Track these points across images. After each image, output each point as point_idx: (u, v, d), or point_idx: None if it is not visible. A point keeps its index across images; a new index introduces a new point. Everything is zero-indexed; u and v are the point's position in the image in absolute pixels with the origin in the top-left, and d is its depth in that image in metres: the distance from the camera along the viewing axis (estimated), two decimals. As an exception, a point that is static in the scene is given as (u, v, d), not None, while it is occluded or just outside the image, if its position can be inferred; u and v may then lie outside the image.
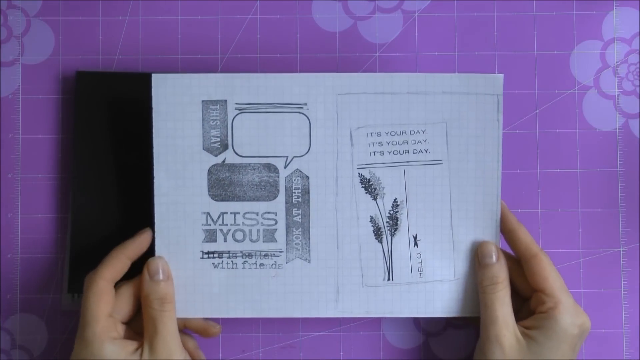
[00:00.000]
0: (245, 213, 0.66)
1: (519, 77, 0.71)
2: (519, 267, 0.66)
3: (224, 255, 0.66)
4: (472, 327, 0.71)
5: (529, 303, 0.65)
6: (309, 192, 0.66)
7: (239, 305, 0.66)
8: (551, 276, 0.63)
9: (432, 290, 0.66)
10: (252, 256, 0.66)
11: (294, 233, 0.66)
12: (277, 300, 0.66)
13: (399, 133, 0.66)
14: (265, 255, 0.66)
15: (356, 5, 0.72)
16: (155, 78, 0.65)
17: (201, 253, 0.66)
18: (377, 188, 0.66)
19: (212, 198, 0.66)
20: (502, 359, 0.62)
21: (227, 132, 0.65)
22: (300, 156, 0.66)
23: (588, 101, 0.72)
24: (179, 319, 0.65)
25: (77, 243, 0.69)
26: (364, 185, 0.66)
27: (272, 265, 0.66)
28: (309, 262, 0.66)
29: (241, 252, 0.66)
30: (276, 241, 0.66)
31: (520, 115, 0.72)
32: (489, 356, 0.63)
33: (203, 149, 0.66)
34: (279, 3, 0.72)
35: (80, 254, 0.69)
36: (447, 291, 0.66)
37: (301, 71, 0.72)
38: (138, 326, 0.65)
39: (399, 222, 0.66)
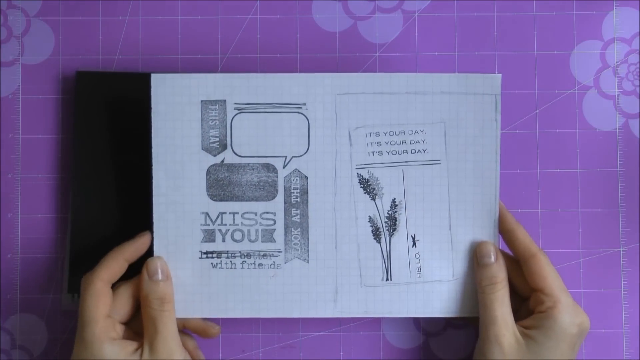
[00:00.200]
0: (244, 213, 0.66)
1: (519, 77, 0.71)
2: (518, 267, 0.65)
3: (223, 255, 0.66)
4: (471, 327, 0.71)
5: (527, 303, 0.65)
6: (307, 192, 0.66)
7: (238, 305, 0.66)
8: (550, 276, 0.63)
9: (430, 290, 0.66)
10: (250, 256, 0.66)
11: (292, 233, 0.66)
12: (275, 301, 0.66)
13: (397, 133, 0.66)
14: (264, 255, 0.66)
15: (356, 5, 0.72)
16: (155, 78, 0.65)
17: (200, 253, 0.66)
18: (376, 188, 0.66)
19: (210, 198, 0.66)
20: (501, 359, 0.62)
21: (226, 132, 0.65)
22: (299, 156, 0.66)
23: (588, 101, 0.72)
24: (178, 319, 0.65)
25: (77, 243, 0.69)
26: (362, 186, 0.66)
27: (270, 265, 0.66)
28: (308, 262, 0.66)
29: (240, 252, 0.66)
30: (275, 241, 0.66)
31: (520, 115, 0.71)
32: (489, 356, 0.63)
33: (202, 149, 0.66)
34: (279, 3, 0.72)
35: (80, 254, 0.69)
36: (445, 291, 0.66)
37: (301, 71, 0.72)
38: (137, 326, 0.65)
39: (397, 222, 0.66)
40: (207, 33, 0.72)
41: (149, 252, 0.66)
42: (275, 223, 0.66)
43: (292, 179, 0.66)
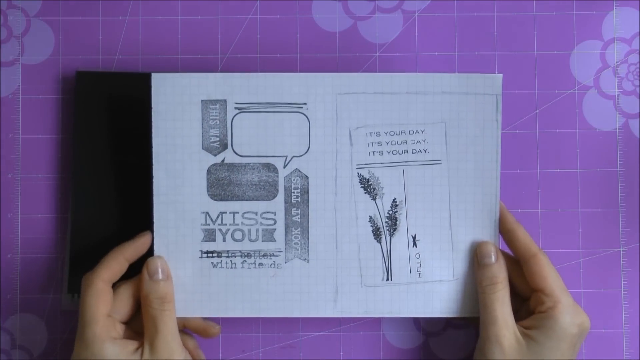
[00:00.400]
0: (245, 213, 0.66)
1: (519, 77, 0.71)
2: (518, 267, 0.65)
3: (223, 254, 0.66)
4: (471, 327, 0.71)
5: (528, 303, 0.65)
6: (308, 192, 0.66)
7: (238, 305, 0.66)
8: (550, 276, 0.63)
9: (431, 290, 0.66)
10: (251, 256, 0.66)
11: (293, 233, 0.66)
12: (275, 300, 0.66)
13: (398, 133, 0.66)
14: (264, 255, 0.66)
15: (356, 5, 0.72)
16: (155, 77, 0.65)
17: (200, 252, 0.66)
18: (376, 188, 0.66)
19: (211, 197, 0.66)
20: (502, 359, 0.62)
21: (226, 132, 0.65)
22: (299, 156, 0.66)
23: (588, 101, 0.72)
24: (178, 319, 0.65)
25: (77, 243, 0.69)
26: (363, 185, 0.66)
27: (271, 265, 0.66)
28: (308, 262, 0.66)
29: (240, 251, 0.66)
30: (275, 241, 0.66)
31: (520, 115, 0.71)
32: (489, 356, 0.63)
33: (202, 148, 0.66)
34: (279, 3, 0.72)
35: (80, 254, 0.69)
36: (446, 291, 0.66)
37: (301, 71, 0.72)
38: (137, 326, 0.65)
39: (397, 222, 0.66)
40: (207, 33, 0.72)
41: (150, 252, 0.66)
42: (275, 223, 0.66)
43: (292, 178, 0.66)
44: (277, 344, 0.71)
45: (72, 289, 0.70)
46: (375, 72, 0.71)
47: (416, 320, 0.71)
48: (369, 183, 0.66)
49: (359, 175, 0.66)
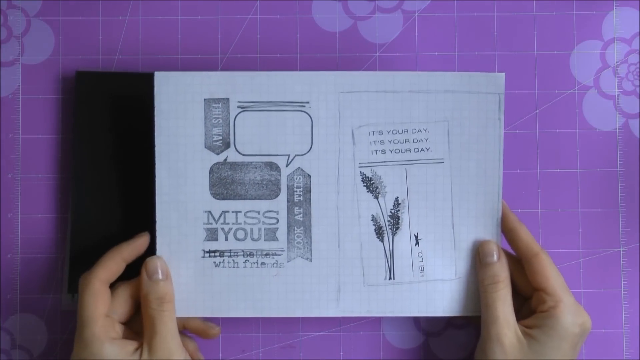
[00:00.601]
0: (247, 212, 0.66)
1: (519, 77, 0.71)
2: (520, 266, 0.66)
3: (225, 254, 0.66)
4: (472, 327, 0.71)
5: (529, 302, 0.65)
6: (310, 191, 0.66)
7: (240, 304, 0.66)
8: (552, 275, 0.64)
9: (433, 289, 0.66)
10: (253, 255, 0.66)
11: (295, 232, 0.66)
12: (278, 300, 0.66)
13: (400, 132, 0.66)
14: (267, 254, 0.66)
15: (356, 5, 0.72)
16: (158, 76, 0.65)
17: (202, 252, 0.66)
18: (379, 187, 0.66)
19: (213, 196, 0.66)
20: (503, 359, 0.62)
21: (229, 131, 0.65)
22: (302, 155, 0.66)
23: (588, 101, 0.72)
24: (178, 320, 0.65)
25: (77, 243, 0.69)
26: (365, 184, 0.66)
27: (273, 264, 0.66)
28: (310, 261, 0.66)
29: (242, 251, 0.66)
30: (277, 240, 0.66)
31: (520, 115, 0.72)
32: (490, 355, 0.63)
33: (205, 147, 0.66)
34: (279, 3, 0.72)
35: (80, 254, 0.69)
36: (448, 290, 0.66)
37: (301, 71, 0.71)
38: (138, 326, 0.65)
39: (400, 221, 0.66)
40: (207, 33, 0.72)
41: (150, 252, 0.66)
42: (278, 222, 0.66)
43: (295, 177, 0.66)
44: (277, 344, 0.71)
45: (72, 289, 0.69)
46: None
47: (416, 320, 0.71)
48: (372, 182, 0.66)
49: (362, 174, 0.66)
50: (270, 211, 0.66)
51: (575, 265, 0.71)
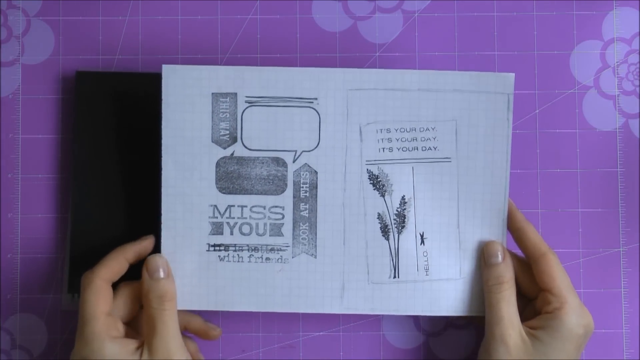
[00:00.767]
0: (253, 206, 0.66)
1: (519, 77, 0.71)
2: (524, 267, 0.66)
3: (230, 248, 0.66)
4: (472, 327, 0.71)
5: (533, 303, 0.66)
6: (317, 187, 0.66)
7: (244, 299, 0.66)
8: (559, 276, 0.64)
9: (437, 288, 0.66)
10: (258, 250, 0.66)
11: (300, 228, 0.66)
12: (282, 295, 0.66)
13: (408, 130, 0.66)
14: (272, 250, 0.66)
15: (356, 5, 0.72)
16: (166, 69, 0.65)
17: (207, 246, 0.66)
18: (385, 185, 0.66)
19: (219, 191, 0.66)
20: (507, 359, 0.62)
21: (236, 125, 0.65)
22: (309, 151, 0.66)
23: (588, 101, 0.72)
24: (179, 321, 0.65)
25: (77, 243, 0.69)
26: (372, 182, 0.66)
27: (278, 259, 0.66)
28: (315, 257, 0.66)
29: (247, 245, 0.66)
30: (283, 235, 0.66)
31: (520, 115, 0.72)
32: (494, 355, 0.63)
33: (212, 141, 0.66)
34: (279, 3, 0.72)
35: (80, 254, 0.69)
36: (452, 290, 0.67)
37: (302, 71, 0.72)
38: (141, 326, 0.65)
39: (406, 220, 0.66)
40: (207, 33, 0.72)
41: (156, 246, 0.66)
42: (283, 217, 0.66)
43: (301, 173, 0.66)
44: (277, 344, 0.71)
45: (72, 289, 0.69)
46: (377, 71, 0.71)
47: (416, 320, 0.71)
48: (378, 179, 0.66)
49: (369, 171, 0.66)
50: (276, 206, 0.66)
51: (575, 265, 0.71)
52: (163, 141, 0.65)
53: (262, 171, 0.66)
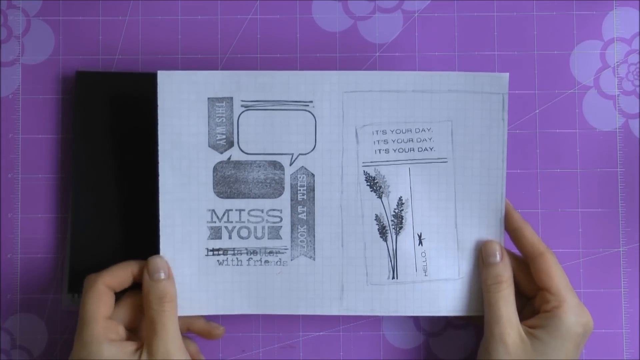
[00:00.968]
0: (251, 210, 0.66)
1: (519, 77, 0.71)
2: (522, 266, 0.66)
3: (229, 252, 0.66)
4: (472, 327, 0.71)
5: (532, 302, 0.66)
6: (314, 190, 0.66)
7: (244, 302, 0.66)
8: (557, 275, 0.64)
9: (436, 289, 0.66)
10: (257, 253, 0.66)
11: (299, 230, 0.66)
12: (281, 298, 0.66)
13: (404, 131, 0.66)
14: (270, 253, 0.66)
15: (356, 5, 0.72)
16: (161, 75, 0.65)
17: (206, 250, 0.66)
18: (382, 186, 0.66)
19: (217, 195, 0.66)
20: (506, 358, 0.62)
21: (232, 129, 0.66)
22: (305, 154, 0.66)
23: (588, 101, 0.72)
24: (181, 322, 0.65)
25: (77, 243, 0.69)
26: (369, 183, 0.66)
27: (276, 262, 0.66)
28: (314, 259, 0.66)
29: (246, 249, 0.66)
30: (281, 238, 0.66)
31: (520, 115, 0.72)
32: (493, 355, 0.63)
33: (208, 146, 0.66)
34: (279, 3, 0.72)
35: (80, 254, 0.69)
36: (451, 290, 0.67)
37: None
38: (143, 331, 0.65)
39: (403, 221, 0.66)
40: (207, 33, 0.72)
41: (154, 251, 0.66)
42: (281, 220, 0.66)
43: (298, 176, 0.66)
44: (277, 344, 0.71)
45: (72, 289, 0.69)
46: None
47: (416, 320, 0.71)
48: (375, 181, 0.66)
49: (365, 173, 0.66)
50: (273, 210, 0.66)
51: (575, 265, 0.71)
52: (160, 147, 0.65)
53: (259, 175, 0.66)
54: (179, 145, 0.65)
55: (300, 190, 0.66)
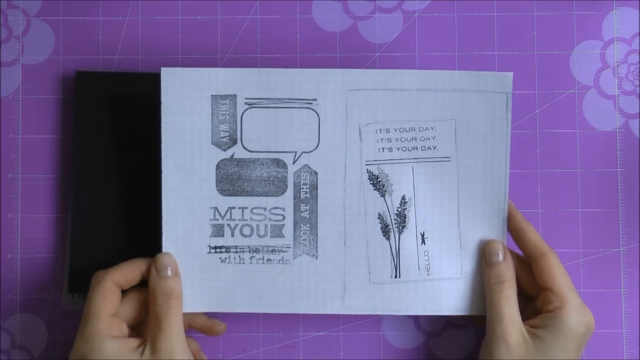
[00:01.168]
0: (253, 208, 0.66)
1: (519, 77, 0.71)
2: (525, 266, 0.66)
3: (231, 250, 0.66)
4: (472, 327, 0.71)
5: (534, 302, 0.66)
6: (317, 188, 0.66)
7: (246, 300, 0.66)
8: (559, 275, 0.64)
9: (439, 288, 0.66)
10: (259, 251, 0.66)
11: (301, 229, 0.66)
12: (283, 296, 0.66)
13: (407, 130, 0.66)
14: (273, 251, 0.66)
15: (356, 5, 0.72)
16: (165, 72, 0.65)
17: (208, 248, 0.66)
18: (386, 185, 0.66)
19: (220, 193, 0.66)
20: (508, 358, 0.62)
21: (236, 127, 0.65)
22: (309, 152, 0.66)
23: (588, 101, 0.72)
24: (183, 319, 0.65)
25: (77, 243, 0.69)
26: (372, 182, 0.66)
27: (279, 260, 0.66)
28: (316, 258, 0.66)
29: (248, 247, 0.66)
30: (284, 237, 0.66)
31: (520, 115, 0.72)
32: (495, 354, 0.63)
33: (212, 143, 0.66)
34: (279, 3, 0.72)
35: (80, 254, 0.69)
36: (453, 289, 0.67)
37: (302, 71, 0.72)
38: (146, 330, 0.65)
39: (406, 220, 0.66)
40: (207, 33, 0.72)
41: (155, 250, 0.66)
42: (284, 218, 0.66)
43: (301, 174, 0.66)
44: (277, 344, 0.71)
45: (72, 289, 0.69)
46: (377, 72, 0.71)
47: (416, 320, 0.71)
48: (378, 180, 0.66)
49: (368, 171, 0.66)
50: (276, 208, 0.66)
51: (575, 265, 0.71)
52: (163, 144, 0.65)
53: (262, 173, 0.66)
54: (182, 143, 0.65)
55: (303, 188, 0.66)
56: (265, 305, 0.66)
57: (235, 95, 0.65)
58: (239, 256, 0.66)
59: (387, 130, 0.66)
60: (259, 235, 0.66)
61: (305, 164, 0.66)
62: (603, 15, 0.72)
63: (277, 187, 0.66)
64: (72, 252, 0.69)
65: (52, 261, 0.71)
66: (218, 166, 0.66)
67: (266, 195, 0.66)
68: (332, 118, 0.66)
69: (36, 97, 0.71)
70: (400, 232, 0.66)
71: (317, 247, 0.66)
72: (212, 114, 0.65)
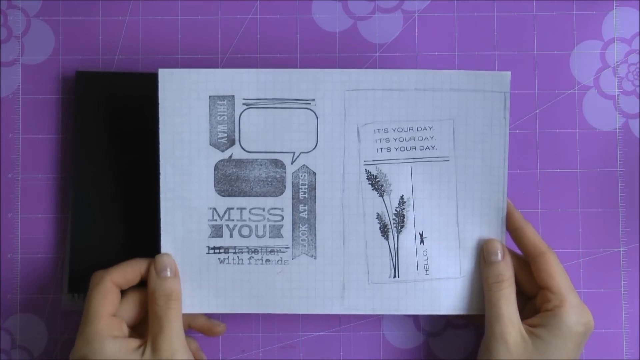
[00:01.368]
0: (252, 209, 0.66)
1: (519, 77, 0.71)
2: (524, 265, 0.66)
3: (230, 250, 0.66)
4: (472, 326, 0.71)
5: (533, 301, 0.66)
6: (315, 188, 0.66)
7: (245, 301, 0.66)
8: (558, 274, 0.64)
9: (438, 287, 0.66)
10: (258, 252, 0.66)
11: (300, 229, 0.66)
12: (282, 297, 0.66)
13: (406, 129, 0.66)
14: (271, 251, 0.66)
15: (356, 5, 0.72)
16: (162, 73, 0.65)
17: (207, 248, 0.66)
18: (384, 185, 0.66)
19: (218, 193, 0.66)
20: (507, 358, 0.62)
21: (234, 128, 0.65)
22: (307, 152, 0.66)
23: (588, 101, 0.72)
24: (183, 319, 0.65)
25: (77, 243, 0.69)
26: (370, 182, 0.66)
27: (278, 261, 0.66)
28: (315, 258, 0.66)
29: (247, 247, 0.66)
30: (282, 237, 0.66)
31: (520, 115, 0.72)
32: (494, 354, 0.63)
33: (210, 144, 0.66)
34: (279, 3, 0.72)
35: (80, 254, 0.69)
36: (452, 289, 0.67)
37: (301, 71, 0.72)
38: (145, 330, 0.65)
39: (405, 219, 0.66)
40: (207, 33, 0.72)
41: (155, 251, 0.66)
42: (283, 219, 0.66)
43: (300, 174, 0.66)
44: (277, 344, 0.71)
45: (72, 289, 0.69)
46: (377, 72, 0.71)
47: (416, 320, 0.71)
48: (377, 180, 0.66)
49: (367, 171, 0.66)
50: (275, 208, 0.66)
51: (575, 265, 0.71)
52: (161, 145, 0.65)
53: (260, 173, 0.66)
54: (180, 144, 0.65)
55: (301, 188, 0.66)
56: (264, 306, 0.66)
57: (233, 96, 0.65)
58: (238, 257, 0.66)
59: (386, 130, 0.66)
60: (257, 236, 0.66)
61: (304, 165, 0.66)
62: (603, 15, 0.72)
63: (275, 187, 0.66)
64: (72, 252, 0.69)
65: (52, 261, 0.71)
66: (216, 167, 0.66)
67: (265, 195, 0.66)
68: (331, 118, 0.66)
69: (36, 97, 0.71)
70: (399, 232, 0.66)
71: (315, 247, 0.66)
72: (210, 115, 0.65)
